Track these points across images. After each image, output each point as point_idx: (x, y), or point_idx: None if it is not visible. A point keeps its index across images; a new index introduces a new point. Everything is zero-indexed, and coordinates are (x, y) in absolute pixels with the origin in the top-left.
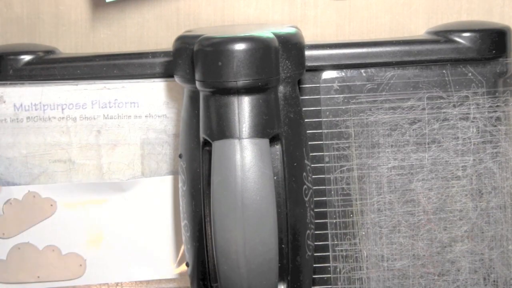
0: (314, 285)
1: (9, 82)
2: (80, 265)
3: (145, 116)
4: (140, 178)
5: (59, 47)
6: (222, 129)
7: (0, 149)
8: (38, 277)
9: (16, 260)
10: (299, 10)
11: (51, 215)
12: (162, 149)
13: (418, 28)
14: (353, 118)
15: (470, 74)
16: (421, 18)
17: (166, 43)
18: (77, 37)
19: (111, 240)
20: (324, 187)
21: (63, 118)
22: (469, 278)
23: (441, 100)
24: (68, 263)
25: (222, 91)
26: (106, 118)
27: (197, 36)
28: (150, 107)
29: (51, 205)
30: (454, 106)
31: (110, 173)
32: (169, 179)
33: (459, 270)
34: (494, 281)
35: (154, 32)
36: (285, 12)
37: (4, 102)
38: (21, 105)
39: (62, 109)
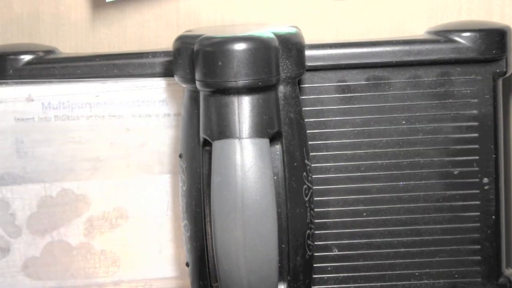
0: (314, 285)
1: (38, 80)
2: (113, 262)
3: (174, 114)
4: (167, 175)
5: (59, 47)
6: (222, 129)
7: (30, 147)
8: (71, 273)
9: (50, 257)
10: (299, 10)
11: (85, 212)
12: None
13: (418, 28)
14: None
15: (470, 74)
16: (421, 18)
17: (166, 43)
18: (77, 37)
19: (143, 237)
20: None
21: (91, 116)
22: None
23: (441, 101)
24: (101, 260)
25: (222, 91)
26: (134, 116)
27: (197, 36)
28: (179, 105)
29: (85, 202)
30: (452, 104)
31: (138, 171)
32: None
33: None
34: None
35: (154, 32)
36: (285, 12)
37: (32, 100)
38: (49, 103)
39: (90, 108)
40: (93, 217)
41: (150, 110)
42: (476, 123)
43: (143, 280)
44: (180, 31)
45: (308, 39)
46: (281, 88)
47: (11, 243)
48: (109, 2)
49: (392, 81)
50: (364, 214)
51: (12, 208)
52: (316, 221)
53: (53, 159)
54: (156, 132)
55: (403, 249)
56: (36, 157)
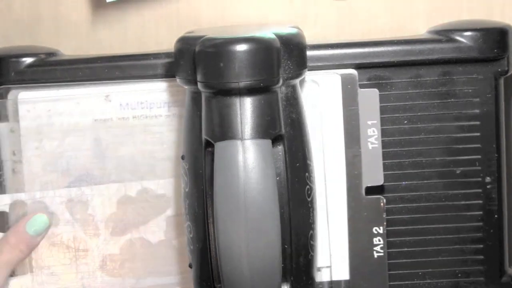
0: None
1: (113, 81)
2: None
3: (173, 115)
4: None
5: (59, 47)
6: (224, 130)
7: (109, 147)
8: (150, 271)
9: (129, 254)
10: (299, 10)
11: (166, 210)
12: None
13: (419, 28)
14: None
15: (471, 73)
16: (421, 18)
17: (167, 43)
18: (78, 37)
19: None
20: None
21: (169, 115)
22: None
23: (443, 100)
24: (180, 258)
25: (224, 92)
26: None
27: (199, 37)
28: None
29: (165, 200)
30: (454, 104)
31: None
32: None
33: None
34: None
35: (154, 33)
36: (285, 12)
37: (110, 101)
38: (127, 104)
39: (168, 107)
40: (173, 215)
41: None
42: (478, 122)
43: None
44: (180, 32)
45: (308, 40)
46: (283, 89)
47: (90, 243)
48: (109, 3)
49: (393, 80)
50: None
51: (91, 208)
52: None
53: (132, 159)
54: None
55: (406, 249)
56: (115, 157)
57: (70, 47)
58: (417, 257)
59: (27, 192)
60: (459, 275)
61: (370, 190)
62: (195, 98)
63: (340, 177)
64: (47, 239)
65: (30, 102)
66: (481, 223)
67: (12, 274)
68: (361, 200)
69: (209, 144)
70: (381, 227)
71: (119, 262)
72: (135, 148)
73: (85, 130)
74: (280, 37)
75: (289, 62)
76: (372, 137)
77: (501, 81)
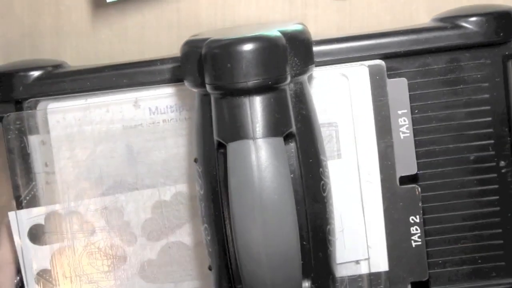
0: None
1: (144, 87)
2: None
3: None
4: None
5: (59, 47)
6: (236, 130)
7: (140, 153)
8: (188, 275)
9: (166, 259)
10: (299, 9)
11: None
12: None
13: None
14: None
15: (479, 58)
16: (422, 17)
17: (167, 43)
18: (78, 37)
19: None
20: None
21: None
22: None
23: (452, 87)
24: None
25: (233, 93)
26: None
27: (204, 40)
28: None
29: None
30: (463, 90)
31: None
32: None
33: None
34: None
35: (155, 32)
36: (286, 12)
37: (139, 107)
38: (157, 108)
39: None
40: None
41: None
42: (488, 107)
43: None
44: (181, 32)
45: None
46: (292, 86)
47: (127, 250)
48: (110, 3)
49: (401, 71)
50: None
51: (126, 215)
52: None
53: (164, 163)
54: None
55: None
56: (148, 163)
57: (69, 47)
58: (436, 246)
59: (61, 203)
60: (480, 261)
61: (404, 180)
62: (205, 100)
63: (374, 168)
64: (84, 248)
65: (59, 112)
66: (498, 208)
67: (52, 284)
68: (396, 190)
69: (221, 146)
70: (418, 216)
71: (157, 267)
72: (167, 152)
73: (116, 137)
74: (286, 34)
75: (296, 58)
76: (403, 126)
77: (509, 64)
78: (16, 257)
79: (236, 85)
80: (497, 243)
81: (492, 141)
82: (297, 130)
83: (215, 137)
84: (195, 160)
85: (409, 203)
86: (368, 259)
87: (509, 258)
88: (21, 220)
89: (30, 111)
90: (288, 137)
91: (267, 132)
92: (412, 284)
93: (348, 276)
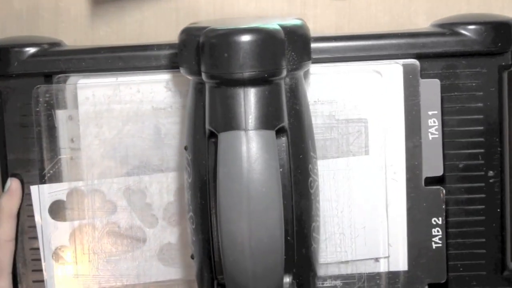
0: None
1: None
2: None
3: (314, 101)
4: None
5: None
6: (228, 120)
7: (167, 135)
8: None
9: (186, 244)
10: (298, 9)
11: None
12: (331, 134)
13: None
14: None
15: (475, 67)
16: (420, 19)
17: (165, 40)
18: (77, 34)
19: None
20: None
21: None
22: None
23: (446, 94)
24: None
25: (228, 83)
26: None
27: (203, 28)
28: (318, 92)
29: None
30: (457, 97)
31: None
32: (338, 161)
33: None
34: None
35: (153, 29)
36: (285, 11)
37: (170, 89)
38: (188, 92)
39: None
40: None
41: None
42: (481, 116)
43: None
44: (179, 29)
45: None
46: (287, 80)
47: (147, 232)
48: (108, 0)
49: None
50: None
51: (149, 197)
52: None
53: None
54: None
55: None
56: (174, 145)
57: (68, 43)
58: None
59: (84, 180)
60: (461, 269)
61: (429, 181)
62: (199, 88)
63: (400, 167)
64: (104, 227)
65: (89, 88)
66: (483, 217)
67: (69, 261)
68: (421, 190)
69: (212, 135)
70: (440, 218)
71: (176, 251)
72: None
73: (144, 117)
74: (285, 28)
75: (293, 53)
76: (432, 127)
77: (505, 75)
78: (15, 234)
79: (231, 75)
80: (480, 252)
81: (482, 150)
82: (290, 125)
83: (207, 126)
84: (185, 148)
85: (432, 204)
86: (388, 257)
87: (490, 268)
88: (43, 194)
89: (59, 84)
90: (280, 131)
91: (259, 125)
92: (429, 285)
93: (366, 273)
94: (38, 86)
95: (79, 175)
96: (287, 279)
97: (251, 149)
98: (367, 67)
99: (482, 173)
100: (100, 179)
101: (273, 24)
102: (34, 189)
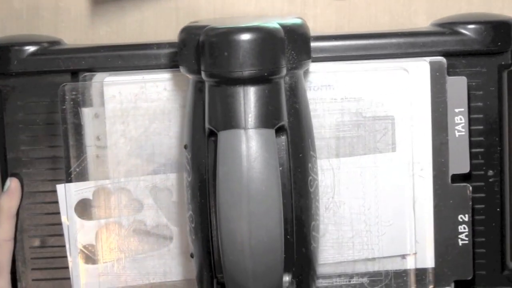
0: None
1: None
2: None
3: (341, 99)
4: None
5: None
6: (228, 119)
7: None
8: None
9: None
10: (298, 9)
11: None
12: (358, 131)
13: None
14: None
15: (475, 66)
16: (420, 18)
17: (165, 39)
18: (76, 34)
19: None
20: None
21: None
22: None
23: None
24: None
25: (228, 81)
26: None
27: (203, 27)
28: (346, 89)
29: None
30: None
31: None
32: (365, 158)
33: None
34: None
35: (153, 30)
36: (285, 11)
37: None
38: None
39: None
40: None
41: (316, 95)
42: (481, 115)
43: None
44: (179, 27)
45: None
46: (287, 79)
47: (174, 230)
48: None
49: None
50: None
51: (176, 195)
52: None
53: None
54: (323, 117)
55: None
56: None
57: (68, 42)
58: None
59: (111, 178)
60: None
61: (455, 178)
62: (199, 87)
63: (427, 164)
64: (130, 225)
65: (116, 86)
66: (483, 217)
67: (95, 259)
68: (447, 187)
69: (212, 134)
70: (467, 215)
71: None
72: None
73: (171, 115)
74: (285, 27)
75: (293, 52)
76: (459, 125)
77: (505, 74)
78: (14, 234)
79: (231, 74)
80: (479, 252)
81: (482, 150)
82: (289, 123)
83: (207, 125)
84: (185, 147)
85: (459, 201)
86: (415, 254)
87: (490, 267)
88: (69, 193)
89: (85, 82)
90: (279, 130)
91: (259, 123)
92: (456, 282)
93: (393, 270)
94: (64, 84)
95: (105, 173)
96: (286, 278)
97: (250, 147)
98: (394, 65)
99: (482, 172)
100: (126, 177)
101: (273, 23)
102: (60, 187)
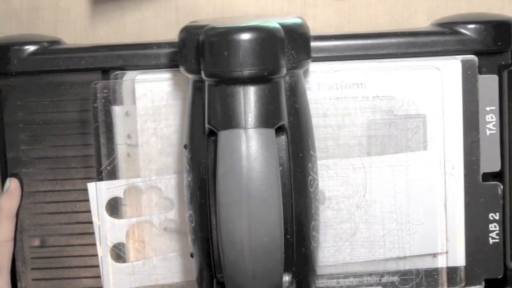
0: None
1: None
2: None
3: (372, 97)
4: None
5: None
6: (228, 119)
7: None
8: None
9: None
10: (298, 9)
11: None
12: (389, 129)
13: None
14: None
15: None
16: (420, 19)
17: (165, 38)
18: (76, 33)
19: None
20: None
21: None
22: None
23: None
24: None
25: (228, 81)
26: (332, 99)
27: (203, 26)
28: (377, 88)
29: None
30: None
31: (335, 154)
32: (396, 157)
33: None
34: None
35: (153, 29)
36: (285, 11)
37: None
38: None
39: None
40: None
41: (348, 93)
42: None
43: None
44: (179, 27)
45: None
46: (287, 79)
47: None
48: None
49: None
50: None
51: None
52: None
53: None
54: (355, 115)
55: None
56: None
57: (68, 42)
58: None
59: (142, 176)
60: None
61: (486, 176)
62: (199, 87)
63: (458, 163)
64: (161, 224)
65: (147, 84)
66: None
67: (125, 258)
68: (478, 186)
69: (212, 133)
70: (498, 214)
71: None
72: None
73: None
74: (285, 27)
75: (293, 52)
76: (490, 123)
77: (505, 74)
78: (14, 234)
79: (231, 73)
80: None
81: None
82: (289, 123)
83: (207, 125)
84: (185, 146)
85: (490, 200)
86: (446, 252)
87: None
88: (100, 191)
89: (116, 80)
90: (279, 130)
91: (259, 123)
92: (486, 281)
93: (424, 269)
94: (96, 82)
95: (136, 171)
96: (286, 278)
97: (250, 147)
98: (426, 63)
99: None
100: (157, 175)
101: (273, 23)
102: (91, 186)
